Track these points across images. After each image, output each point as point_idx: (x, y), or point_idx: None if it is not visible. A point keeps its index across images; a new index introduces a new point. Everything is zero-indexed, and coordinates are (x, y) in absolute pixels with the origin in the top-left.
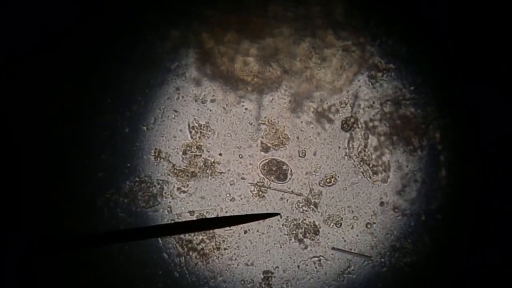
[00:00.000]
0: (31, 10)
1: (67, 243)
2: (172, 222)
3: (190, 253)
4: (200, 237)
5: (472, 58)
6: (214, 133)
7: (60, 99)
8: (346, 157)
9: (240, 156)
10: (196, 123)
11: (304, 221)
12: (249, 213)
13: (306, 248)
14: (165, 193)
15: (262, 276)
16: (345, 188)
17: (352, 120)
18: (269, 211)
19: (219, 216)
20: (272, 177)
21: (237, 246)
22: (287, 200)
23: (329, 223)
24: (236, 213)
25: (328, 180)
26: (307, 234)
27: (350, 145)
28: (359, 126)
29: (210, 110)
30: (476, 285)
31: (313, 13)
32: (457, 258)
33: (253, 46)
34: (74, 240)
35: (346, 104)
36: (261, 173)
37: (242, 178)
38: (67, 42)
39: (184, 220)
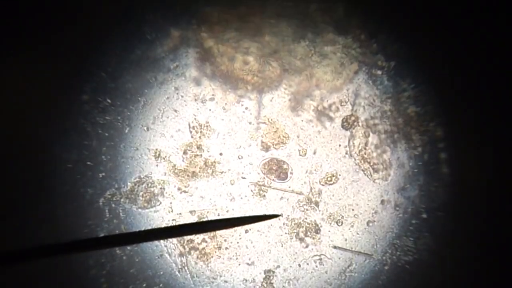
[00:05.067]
0: (30, 9)
1: (68, 246)
2: (173, 222)
3: (192, 252)
4: (201, 237)
5: (473, 56)
6: (214, 133)
7: (60, 100)
8: (346, 155)
9: (241, 155)
10: (196, 122)
11: (305, 220)
12: (250, 212)
13: (307, 247)
14: (166, 193)
15: (264, 276)
16: (346, 187)
17: (353, 118)
18: (269, 211)
19: (220, 216)
20: (273, 176)
21: (238, 245)
22: (287, 199)
23: (330, 222)
24: (237, 213)
25: (328, 179)
26: (308, 233)
27: (351, 143)
28: (360, 124)
29: (210, 110)
30: (477, 283)
31: (313, 10)
32: (459, 256)
33: (253, 45)
34: (75, 244)
35: (346, 102)
36: (262, 172)
37: (243, 178)
38: (66, 41)
39: (185, 220)
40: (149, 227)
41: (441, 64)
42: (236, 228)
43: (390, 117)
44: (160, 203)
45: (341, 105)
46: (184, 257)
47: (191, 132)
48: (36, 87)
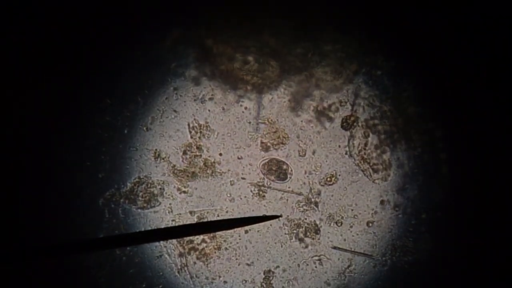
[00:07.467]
0: (30, 9)
1: (67, 247)
2: (173, 223)
3: (191, 253)
4: (201, 237)
5: (473, 56)
6: (213, 133)
7: (59, 100)
8: (346, 155)
9: (240, 156)
10: (196, 123)
11: (305, 221)
12: (249, 213)
13: (306, 247)
14: (166, 193)
15: (263, 276)
16: (345, 187)
17: (352, 118)
18: (269, 211)
19: (220, 217)
20: (272, 177)
21: (238, 246)
22: (287, 200)
23: (329, 222)
24: (237, 213)
25: (328, 179)
26: (308, 234)
27: (351, 144)
28: (359, 124)
29: (209, 110)
30: (476, 283)
31: (313, 10)
32: (458, 256)
33: (252, 45)
34: (75, 244)
35: (346, 102)
36: (261, 172)
37: (242, 178)
38: (66, 42)
39: (184, 221)
40: (149, 228)
41: (441, 64)
42: (235, 228)
43: (390, 117)
44: (160, 203)
45: (341, 105)
46: (184, 257)
47: (190, 132)
48: (35, 87)
